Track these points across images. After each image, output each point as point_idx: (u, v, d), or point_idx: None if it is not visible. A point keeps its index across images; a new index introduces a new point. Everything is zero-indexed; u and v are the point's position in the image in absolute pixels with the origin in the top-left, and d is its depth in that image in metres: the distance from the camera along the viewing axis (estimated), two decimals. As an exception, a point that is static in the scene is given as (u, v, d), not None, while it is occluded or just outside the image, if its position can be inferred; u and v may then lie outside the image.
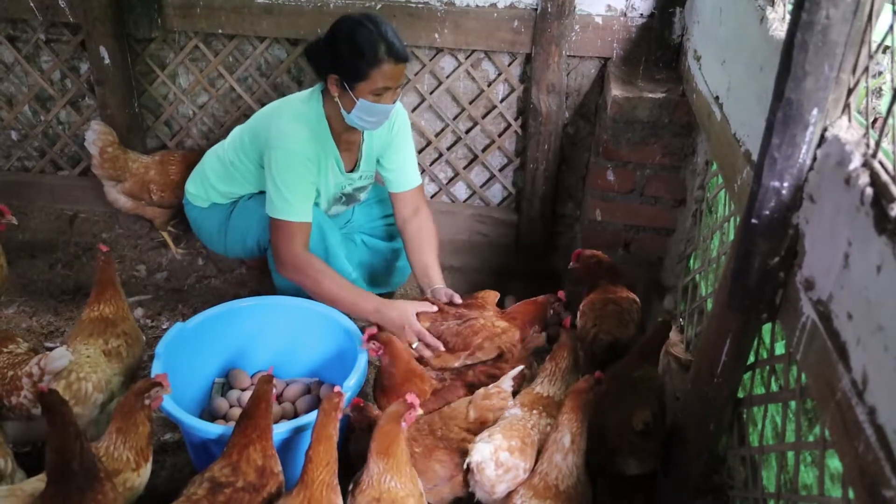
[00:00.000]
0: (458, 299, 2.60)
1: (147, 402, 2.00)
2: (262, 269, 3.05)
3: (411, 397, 1.93)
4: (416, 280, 2.83)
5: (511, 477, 1.98)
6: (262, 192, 2.69)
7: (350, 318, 2.53)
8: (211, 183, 2.87)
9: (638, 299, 2.59)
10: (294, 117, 2.57)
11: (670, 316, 2.60)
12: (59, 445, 1.70)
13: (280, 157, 2.51)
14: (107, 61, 3.23)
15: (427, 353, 2.44)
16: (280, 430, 2.06)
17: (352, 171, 2.78)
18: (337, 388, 1.97)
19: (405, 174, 2.86)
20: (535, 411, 2.16)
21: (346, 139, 2.69)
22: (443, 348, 2.44)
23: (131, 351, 2.40)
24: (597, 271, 2.63)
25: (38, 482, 1.82)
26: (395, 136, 2.80)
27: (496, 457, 1.95)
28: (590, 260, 2.64)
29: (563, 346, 2.31)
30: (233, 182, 2.83)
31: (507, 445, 1.98)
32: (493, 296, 2.68)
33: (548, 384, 2.25)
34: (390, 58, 2.39)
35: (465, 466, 2.00)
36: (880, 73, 2.15)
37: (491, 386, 2.18)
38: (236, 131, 2.85)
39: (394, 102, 2.52)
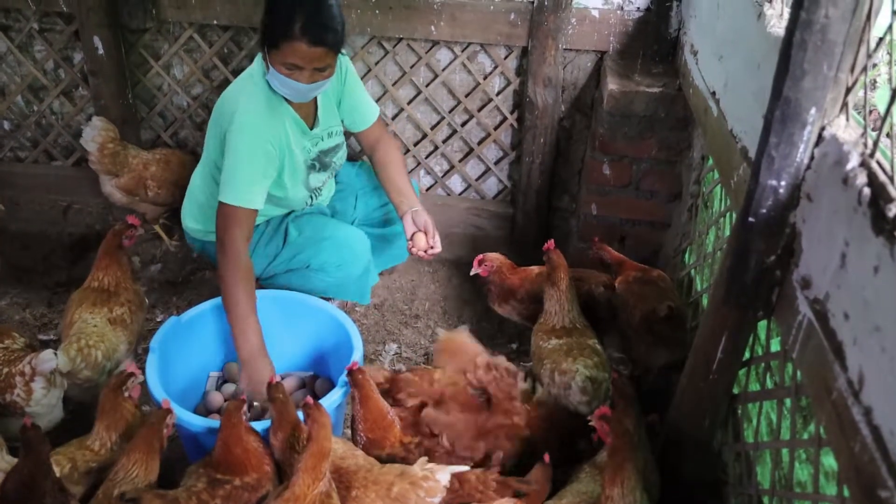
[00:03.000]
0: (430, 227, 2.66)
1: (126, 394, 2.07)
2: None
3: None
4: (391, 201, 2.82)
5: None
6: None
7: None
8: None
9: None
10: (241, 90, 2.47)
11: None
12: (30, 480, 1.71)
13: (237, 137, 2.40)
14: (100, 52, 3.21)
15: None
16: (260, 427, 2.08)
17: (313, 128, 2.65)
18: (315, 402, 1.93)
19: (362, 113, 2.82)
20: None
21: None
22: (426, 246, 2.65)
23: (135, 317, 2.48)
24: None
25: None
26: (345, 87, 2.72)
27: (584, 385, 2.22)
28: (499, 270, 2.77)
29: (558, 268, 2.47)
30: None
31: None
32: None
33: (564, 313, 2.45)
34: (303, 37, 2.23)
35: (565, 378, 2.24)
36: (875, 66, 2.15)
37: (426, 467, 1.98)
38: (209, 142, 2.64)
39: (312, 83, 2.36)
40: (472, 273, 2.77)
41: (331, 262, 2.68)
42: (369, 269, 2.84)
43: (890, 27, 1.23)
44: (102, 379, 2.28)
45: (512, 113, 3.25)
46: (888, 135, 1.25)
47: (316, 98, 2.62)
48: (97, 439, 1.98)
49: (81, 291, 2.46)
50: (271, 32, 2.29)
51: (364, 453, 2.09)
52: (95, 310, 2.37)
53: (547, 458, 2.08)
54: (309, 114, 2.63)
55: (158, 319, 3.01)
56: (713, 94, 2.19)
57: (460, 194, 3.53)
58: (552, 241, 2.57)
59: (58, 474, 1.83)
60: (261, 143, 2.42)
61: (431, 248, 2.64)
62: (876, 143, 1.24)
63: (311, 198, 2.77)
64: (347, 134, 2.92)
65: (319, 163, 2.70)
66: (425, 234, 2.66)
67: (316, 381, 2.61)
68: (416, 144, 3.39)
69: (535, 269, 2.76)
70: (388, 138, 2.93)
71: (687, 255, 2.79)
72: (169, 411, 2.00)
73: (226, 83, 3.34)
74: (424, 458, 2.04)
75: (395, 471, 1.95)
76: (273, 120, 2.47)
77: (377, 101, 3.27)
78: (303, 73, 2.32)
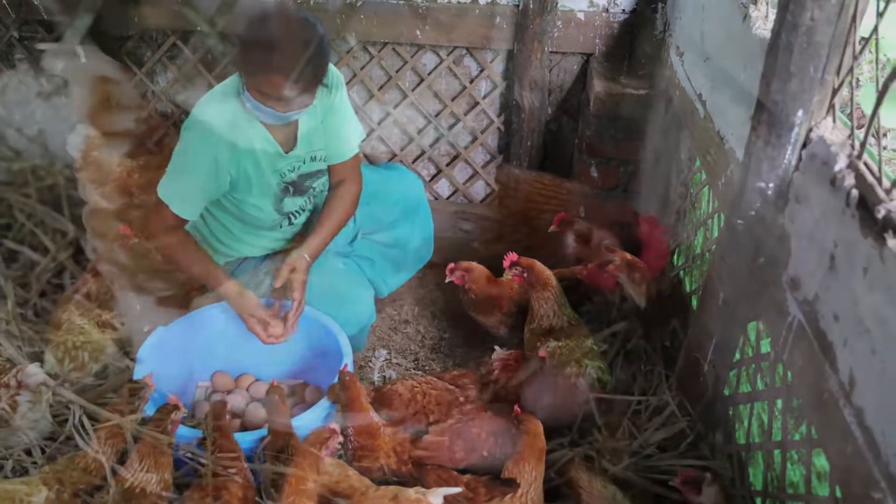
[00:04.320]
0: (297, 293, 2.41)
1: (137, 404, 2.05)
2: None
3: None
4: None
5: None
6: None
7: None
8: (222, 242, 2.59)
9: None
10: (209, 106, 2.30)
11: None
12: None
13: (189, 138, 2.26)
14: (82, 60, 3.18)
15: (261, 334, 2.39)
16: (251, 437, 2.07)
17: (291, 150, 2.42)
18: (333, 425, 1.94)
19: (335, 147, 2.53)
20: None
21: None
22: (280, 334, 2.41)
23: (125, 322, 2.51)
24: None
25: (20, 484, 1.82)
26: (332, 104, 2.46)
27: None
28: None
29: (542, 272, 2.49)
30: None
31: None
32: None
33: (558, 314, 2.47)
34: (280, 71, 2.06)
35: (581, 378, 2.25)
36: (859, 64, 2.16)
37: (420, 490, 1.94)
38: None
39: (288, 111, 2.19)
40: (446, 281, 2.72)
41: (337, 321, 2.55)
42: (371, 320, 2.77)
43: (875, 29, 1.24)
44: (89, 380, 2.30)
45: (499, 116, 3.25)
46: (874, 135, 1.25)
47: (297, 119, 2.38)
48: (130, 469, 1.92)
49: (71, 294, 2.47)
50: (247, 59, 2.13)
51: (358, 474, 2.06)
52: (84, 312, 2.40)
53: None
54: (288, 136, 2.41)
55: (145, 329, 2.97)
56: (699, 95, 2.20)
57: (448, 198, 3.52)
58: (514, 254, 2.55)
59: (44, 496, 1.80)
60: (209, 160, 2.27)
61: (283, 332, 2.41)
62: (863, 145, 1.24)
63: (282, 224, 2.59)
64: None
65: (295, 187, 2.49)
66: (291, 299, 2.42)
67: (305, 389, 2.59)
68: (402, 149, 3.38)
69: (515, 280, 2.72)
70: (353, 182, 2.61)
71: (675, 257, 2.79)
72: (176, 407, 2.00)
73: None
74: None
75: (389, 494, 1.92)
76: (235, 138, 2.28)
77: (363, 105, 3.27)
78: (278, 102, 2.15)
